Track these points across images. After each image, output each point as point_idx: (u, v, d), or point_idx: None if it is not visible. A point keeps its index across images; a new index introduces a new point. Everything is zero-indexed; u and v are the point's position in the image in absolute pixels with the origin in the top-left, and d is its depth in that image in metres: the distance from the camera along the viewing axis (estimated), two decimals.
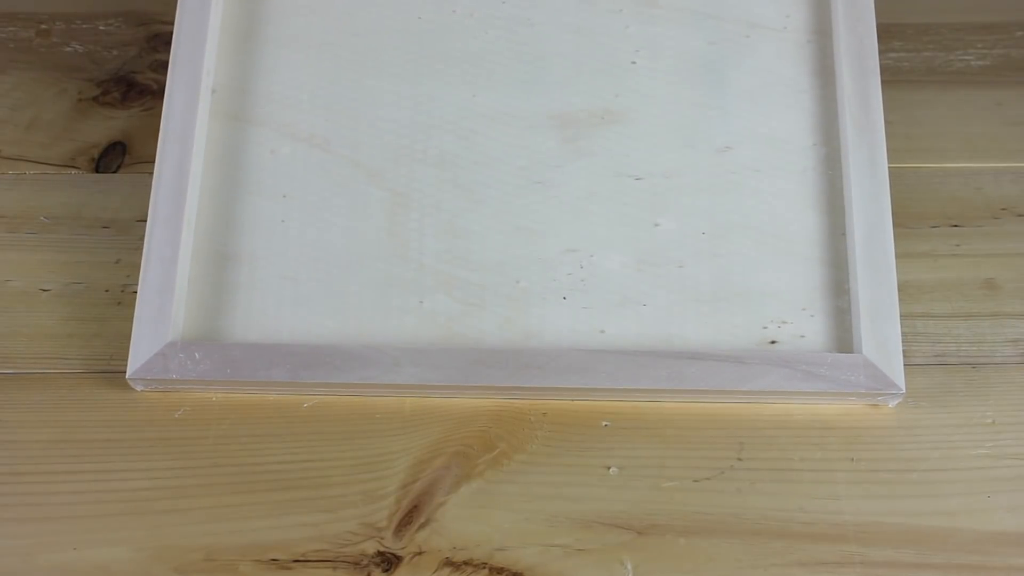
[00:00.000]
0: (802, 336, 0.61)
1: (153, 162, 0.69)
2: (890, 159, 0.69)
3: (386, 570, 0.55)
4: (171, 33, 0.76)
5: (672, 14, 0.67)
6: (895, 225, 0.66)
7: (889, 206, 0.62)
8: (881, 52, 0.75)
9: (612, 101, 0.66)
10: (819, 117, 0.65)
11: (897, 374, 0.58)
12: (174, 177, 0.62)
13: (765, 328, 0.61)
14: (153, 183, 0.62)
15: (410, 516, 0.56)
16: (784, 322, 0.61)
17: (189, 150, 0.63)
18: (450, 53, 0.67)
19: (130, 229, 0.67)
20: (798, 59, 0.66)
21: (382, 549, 0.56)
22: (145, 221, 0.66)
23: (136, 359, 0.59)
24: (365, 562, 0.55)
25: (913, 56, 0.75)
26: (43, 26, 0.77)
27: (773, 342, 0.60)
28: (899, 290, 0.63)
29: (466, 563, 0.55)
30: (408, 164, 0.65)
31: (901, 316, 0.62)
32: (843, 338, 0.60)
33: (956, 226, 0.67)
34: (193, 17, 0.66)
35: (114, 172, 0.70)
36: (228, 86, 0.66)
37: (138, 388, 0.60)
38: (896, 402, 0.59)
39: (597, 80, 0.66)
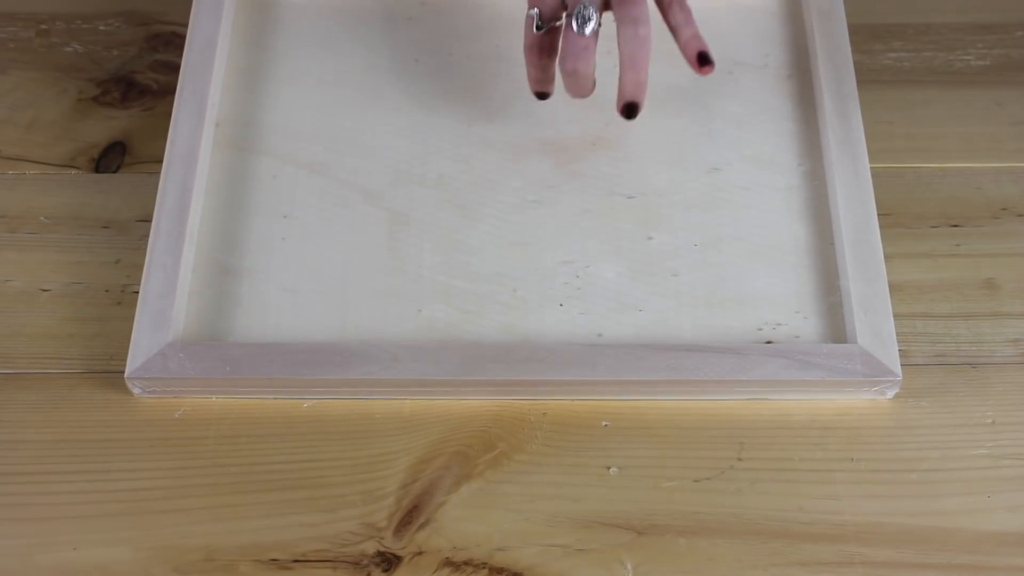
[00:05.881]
0: (797, 336, 0.61)
1: (153, 162, 0.69)
2: (890, 159, 0.69)
3: (386, 570, 0.55)
4: (171, 33, 0.77)
5: (658, 55, 0.70)
6: (895, 225, 0.66)
7: (874, 206, 0.63)
8: (881, 52, 0.75)
9: (603, 130, 0.69)
10: (803, 140, 0.68)
11: (893, 361, 0.59)
12: (177, 194, 0.64)
13: (760, 330, 0.61)
14: (157, 200, 0.63)
15: (410, 516, 0.56)
16: (779, 324, 0.62)
17: (192, 172, 0.64)
18: (446, 89, 0.70)
19: (130, 229, 0.67)
20: (780, 91, 0.70)
21: (382, 549, 0.56)
22: (145, 221, 0.66)
23: (135, 359, 0.59)
24: (365, 562, 0.55)
25: (913, 56, 0.75)
26: (43, 26, 0.77)
27: (769, 342, 0.61)
28: (899, 290, 0.63)
29: (466, 563, 0.55)
30: (406, 186, 0.67)
31: (901, 316, 0.62)
32: (838, 337, 0.61)
33: (956, 226, 0.67)
34: (200, 56, 0.68)
35: (114, 172, 0.70)
36: (232, 120, 0.69)
37: (136, 392, 0.60)
38: (894, 392, 0.59)
39: (587, 111, 0.69)
